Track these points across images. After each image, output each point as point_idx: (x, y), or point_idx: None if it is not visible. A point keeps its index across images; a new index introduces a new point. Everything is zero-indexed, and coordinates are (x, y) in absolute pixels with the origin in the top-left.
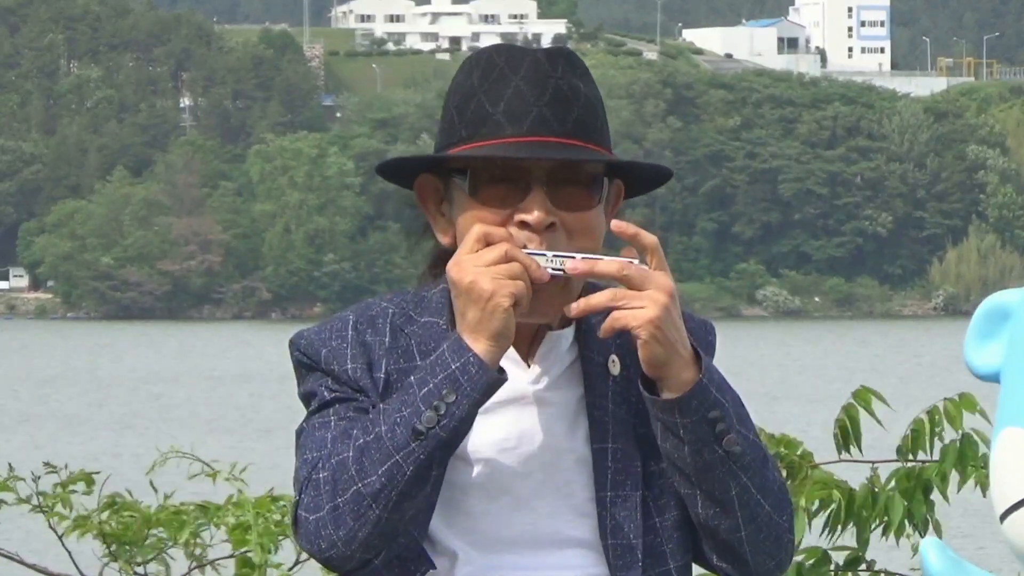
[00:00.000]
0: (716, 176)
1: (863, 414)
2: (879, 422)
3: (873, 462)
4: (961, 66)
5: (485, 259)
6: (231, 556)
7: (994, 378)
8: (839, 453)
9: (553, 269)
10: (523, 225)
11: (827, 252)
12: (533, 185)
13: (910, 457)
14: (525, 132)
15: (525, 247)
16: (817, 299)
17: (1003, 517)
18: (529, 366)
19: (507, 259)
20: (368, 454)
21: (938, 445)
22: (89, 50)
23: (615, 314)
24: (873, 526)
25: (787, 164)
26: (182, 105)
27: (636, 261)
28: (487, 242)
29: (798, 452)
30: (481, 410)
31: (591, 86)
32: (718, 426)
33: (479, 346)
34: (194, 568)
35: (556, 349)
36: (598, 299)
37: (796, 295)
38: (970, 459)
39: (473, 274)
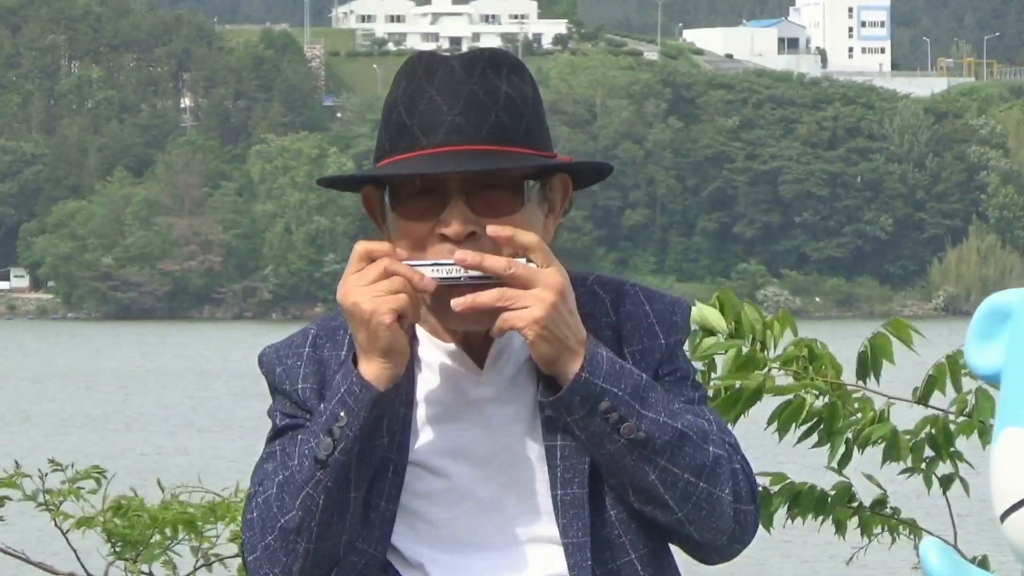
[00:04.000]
0: (717, 177)
1: (896, 345)
2: (913, 349)
3: (890, 397)
4: (961, 66)
5: (367, 277)
6: (236, 556)
7: (995, 378)
8: (856, 380)
9: (440, 278)
10: (444, 238)
11: (827, 252)
12: (451, 196)
13: (927, 403)
14: (439, 143)
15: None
16: (818, 299)
17: (1003, 517)
18: (482, 369)
19: (387, 275)
20: (287, 489)
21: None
22: (90, 50)
23: (503, 315)
24: (900, 465)
25: (787, 164)
26: (183, 105)
27: (526, 260)
28: (370, 259)
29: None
30: (438, 418)
31: (520, 86)
32: (611, 416)
33: (372, 366)
34: (201, 566)
35: (508, 350)
36: (484, 297)
37: (797, 295)
38: (986, 412)
39: (355, 295)
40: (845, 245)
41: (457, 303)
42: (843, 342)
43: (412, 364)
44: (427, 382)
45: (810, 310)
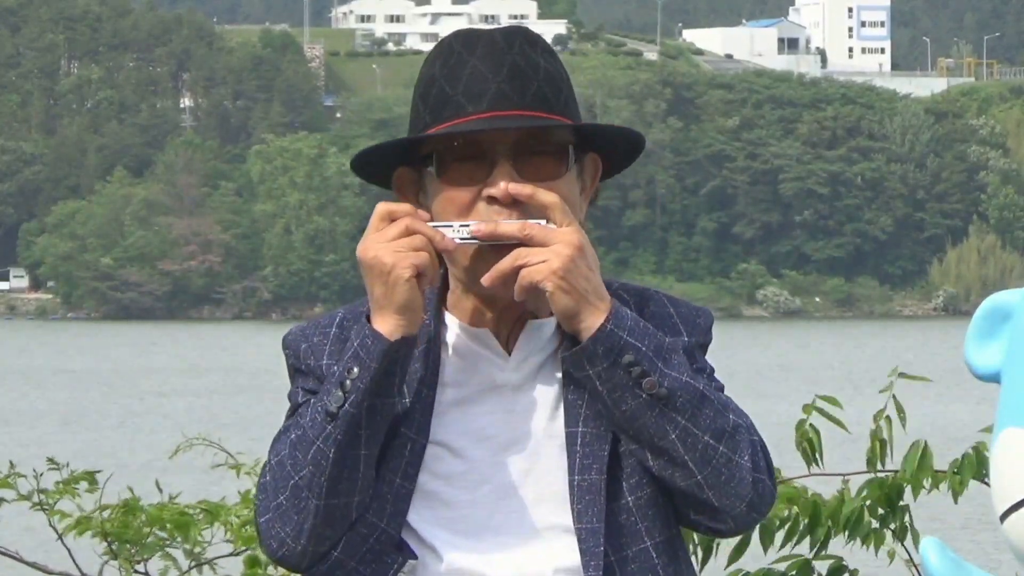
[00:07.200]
0: (717, 176)
1: (824, 424)
2: (843, 427)
3: (844, 475)
4: (961, 66)
5: (388, 235)
6: (233, 555)
7: (994, 378)
8: (808, 467)
9: (460, 238)
10: (491, 200)
11: (827, 252)
12: (498, 159)
13: (878, 467)
14: (485, 108)
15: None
16: (817, 299)
17: (1003, 517)
18: (510, 355)
19: (409, 232)
20: (299, 446)
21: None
22: (89, 50)
23: (522, 272)
24: (846, 538)
25: (787, 164)
26: (182, 105)
27: (544, 222)
28: (391, 219)
29: None
30: (462, 400)
31: (553, 63)
32: (633, 370)
33: (387, 321)
34: (193, 567)
35: (537, 338)
36: (503, 263)
37: (796, 295)
38: (929, 466)
39: (375, 249)
40: (845, 245)
41: (485, 279)
42: (843, 342)
43: (439, 348)
44: (454, 365)
45: (810, 310)
